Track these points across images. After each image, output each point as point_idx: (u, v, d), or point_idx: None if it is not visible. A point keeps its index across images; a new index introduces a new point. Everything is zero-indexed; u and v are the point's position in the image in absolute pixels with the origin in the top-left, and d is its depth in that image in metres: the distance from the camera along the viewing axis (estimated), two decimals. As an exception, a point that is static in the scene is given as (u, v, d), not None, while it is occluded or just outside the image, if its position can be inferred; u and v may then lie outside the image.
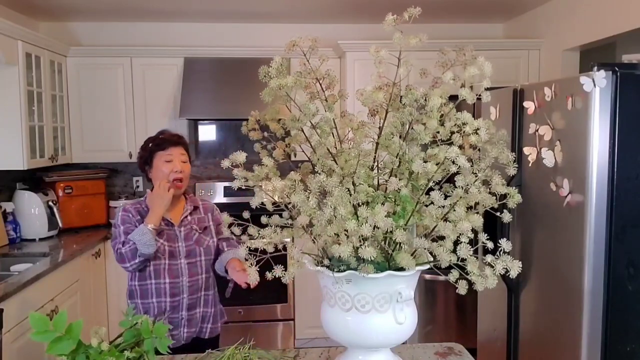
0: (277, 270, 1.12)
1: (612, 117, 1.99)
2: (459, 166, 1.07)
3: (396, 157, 1.15)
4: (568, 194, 2.13)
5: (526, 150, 2.39)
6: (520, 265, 1.07)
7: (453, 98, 1.15)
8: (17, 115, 3.27)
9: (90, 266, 3.55)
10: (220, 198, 4.38)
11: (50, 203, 3.71)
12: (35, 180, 3.88)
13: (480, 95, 1.11)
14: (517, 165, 1.19)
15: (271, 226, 1.20)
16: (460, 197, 1.10)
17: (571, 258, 2.14)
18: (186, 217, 2.16)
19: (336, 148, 1.20)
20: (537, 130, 2.30)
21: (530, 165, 2.39)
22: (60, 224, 3.74)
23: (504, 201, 1.12)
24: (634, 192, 2.02)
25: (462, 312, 3.68)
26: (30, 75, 3.42)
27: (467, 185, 1.09)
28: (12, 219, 3.55)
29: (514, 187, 1.13)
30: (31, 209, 3.62)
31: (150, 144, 2.13)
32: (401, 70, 1.10)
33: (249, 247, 1.20)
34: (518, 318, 2.57)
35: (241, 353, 1.50)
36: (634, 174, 2.02)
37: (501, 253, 1.08)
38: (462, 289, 1.08)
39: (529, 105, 2.38)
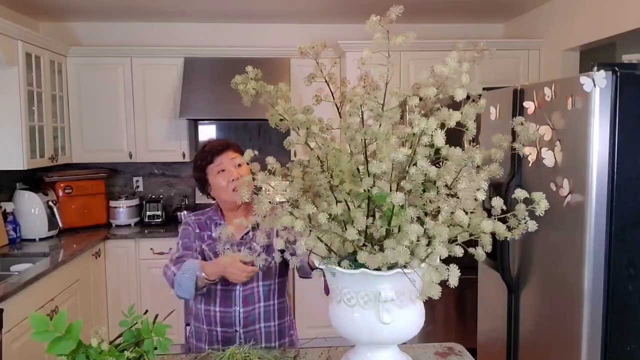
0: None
1: (612, 117, 1.98)
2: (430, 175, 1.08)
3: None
4: (568, 194, 2.13)
5: (526, 150, 2.39)
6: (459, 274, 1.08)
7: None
8: (17, 115, 3.28)
9: (90, 266, 3.55)
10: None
11: (50, 203, 3.71)
12: (35, 180, 3.89)
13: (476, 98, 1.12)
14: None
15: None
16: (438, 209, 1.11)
17: (571, 258, 2.13)
18: (248, 232, 1.87)
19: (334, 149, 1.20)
20: (537, 131, 2.30)
21: (530, 165, 2.39)
22: (60, 224, 3.74)
23: (512, 212, 1.12)
24: (634, 192, 2.02)
25: (462, 312, 3.68)
26: (30, 75, 3.42)
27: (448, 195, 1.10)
28: (12, 219, 3.55)
29: (517, 188, 1.13)
30: (31, 209, 3.62)
31: (198, 162, 1.92)
32: (385, 70, 1.11)
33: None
34: (518, 318, 2.56)
35: (241, 353, 1.50)
36: (634, 174, 2.02)
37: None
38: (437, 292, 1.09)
39: (529, 105, 2.38)
